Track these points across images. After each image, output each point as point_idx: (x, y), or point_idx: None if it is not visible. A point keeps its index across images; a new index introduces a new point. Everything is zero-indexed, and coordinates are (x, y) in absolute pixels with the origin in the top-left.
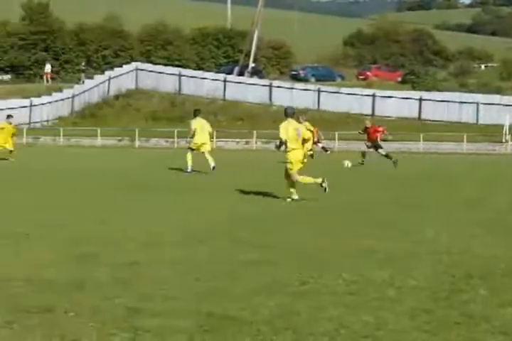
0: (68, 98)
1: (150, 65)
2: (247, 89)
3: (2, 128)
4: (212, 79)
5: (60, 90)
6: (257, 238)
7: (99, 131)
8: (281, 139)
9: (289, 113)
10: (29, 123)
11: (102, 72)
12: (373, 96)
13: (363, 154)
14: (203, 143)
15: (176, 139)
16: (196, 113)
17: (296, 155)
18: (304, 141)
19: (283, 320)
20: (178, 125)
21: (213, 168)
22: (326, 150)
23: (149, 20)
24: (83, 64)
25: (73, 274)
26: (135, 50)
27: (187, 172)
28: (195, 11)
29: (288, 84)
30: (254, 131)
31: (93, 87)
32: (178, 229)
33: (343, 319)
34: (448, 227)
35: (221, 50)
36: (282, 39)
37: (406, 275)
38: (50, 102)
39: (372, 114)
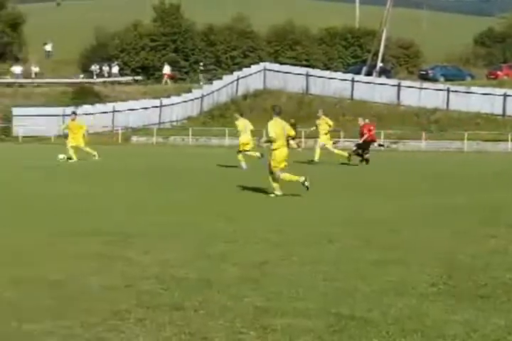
0: (197, 98)
1: (277, 65)
2: (374, 89)
3: (70, 128)
4: (341, 80)
5: (189, 91)
6: (384, 237)
7: (227, 131)
8: (270, 137)
9: (276, 112)
10: (159, 123)
11: (231, 73)
12: (504, 95)
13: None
14: (247, 143)
15: (303, 139)
16: (239, 114)
17: (281, 154)
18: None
19: (411, 322)
20: (303, 125)
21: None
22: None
23: (277, 21)
24: (201, 64)
25: (203, 273)
26: (263, 51)
27: (244, 168)
28: (323, 11)
29: (417, 84)
30: (382, 131)
31: (222, 88)
32: (306, 228)
33: (473, 322)
34: None
35: (349, 50)
36: (411, 38)
37: None
38: (179, 103)
39: (503, 114)
